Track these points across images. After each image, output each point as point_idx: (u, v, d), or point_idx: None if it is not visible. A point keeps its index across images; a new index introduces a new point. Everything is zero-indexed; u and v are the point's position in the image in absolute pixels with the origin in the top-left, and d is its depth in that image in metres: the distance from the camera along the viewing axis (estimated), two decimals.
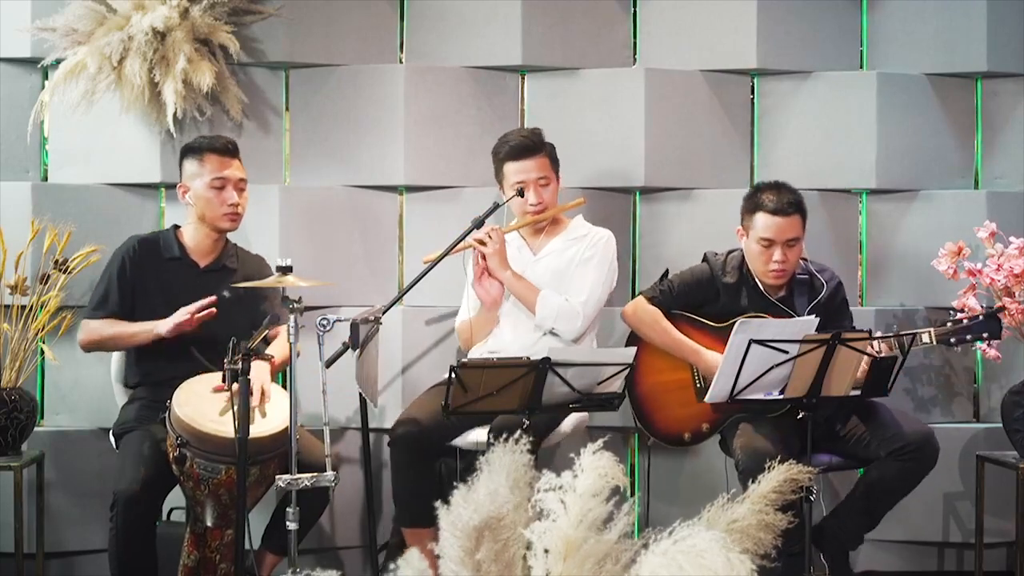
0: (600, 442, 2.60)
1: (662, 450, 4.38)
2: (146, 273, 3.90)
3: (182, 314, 3.73)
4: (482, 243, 4.00)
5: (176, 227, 4.01)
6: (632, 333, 4.11)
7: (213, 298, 3.74)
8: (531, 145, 4.07)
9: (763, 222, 3.88)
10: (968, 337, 3.83)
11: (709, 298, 4.02)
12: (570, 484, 2.36)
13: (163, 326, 3.75)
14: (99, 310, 3.90)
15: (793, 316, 3.86)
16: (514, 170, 4.06)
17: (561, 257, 4.14)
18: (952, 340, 3.84)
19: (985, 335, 3.82)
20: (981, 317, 3.82)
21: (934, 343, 3.83)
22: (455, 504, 2.33)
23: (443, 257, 4.02)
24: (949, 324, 3.85)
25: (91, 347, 3.94)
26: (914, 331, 3.83)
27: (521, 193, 4.06)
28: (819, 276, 4.00)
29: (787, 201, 3.89)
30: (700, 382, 3.99)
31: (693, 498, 4.45)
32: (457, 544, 2.29)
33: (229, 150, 3.93)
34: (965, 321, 3.83)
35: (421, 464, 3.94)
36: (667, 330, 4.01)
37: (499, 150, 4.12)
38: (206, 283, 3.89)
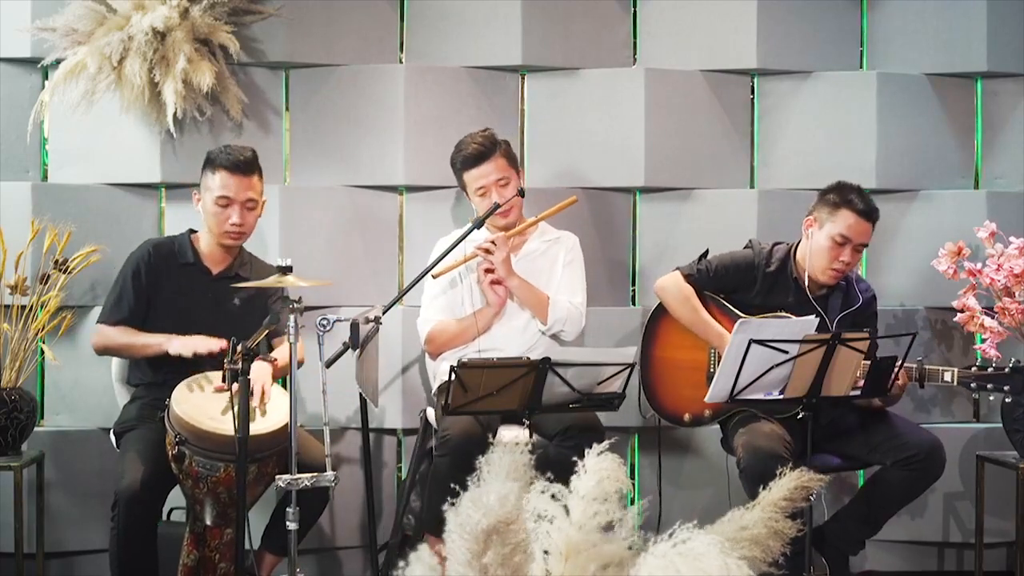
0: (606, 443, 2.60)
1: (666, 447, 4.35)
2: (160, 278, 3.89)
3: (199, 345, 3.68)
4: (488, 252, 4.00)
5: (192, 231, 4.00)
6: (659, 305, 4.10)
7: (224, 344, 3.55)
8: (484, 151, 4.06)
9: (848, 220, 3.87)
10: (989, 386, 3.82)
11: (744, 284, 4.01)
12: (572, 486, 2.36)
13: (173, 346, 3.73)
14: (114, 315, 3.87)
15: (824, 317, 3.87)
16: (473, 177, 4.07)
17: (544, 257, 4.17)
18: (972, 384, 3.84)
19: (1006, 388, 3.81)
20: (1007, 370, 3.81)
21: (955, 384, 3.84)
22: (464, 506, 2.32)
23: (452, 268, 4.02)
24: (974, 369, 3.85)
25: (103, 353, 3.94)
26: (938, 367, 3.85)
27: (522, 193, 4.08)
28: (856, 286, 4.02)
29: (873, 208, 3.92)
30: (715, 368, 3.98)
31: (695, 496, 4.46)
32: (464, 546, 2.28)
33: (241, 167, 3.84)
34: (991, 370, 3.82)
35: (467, 473, 3.92)
36: (696, 309, 3.99)
37: (455, 161, 4.12)
38: (218, 290, 3.89)
